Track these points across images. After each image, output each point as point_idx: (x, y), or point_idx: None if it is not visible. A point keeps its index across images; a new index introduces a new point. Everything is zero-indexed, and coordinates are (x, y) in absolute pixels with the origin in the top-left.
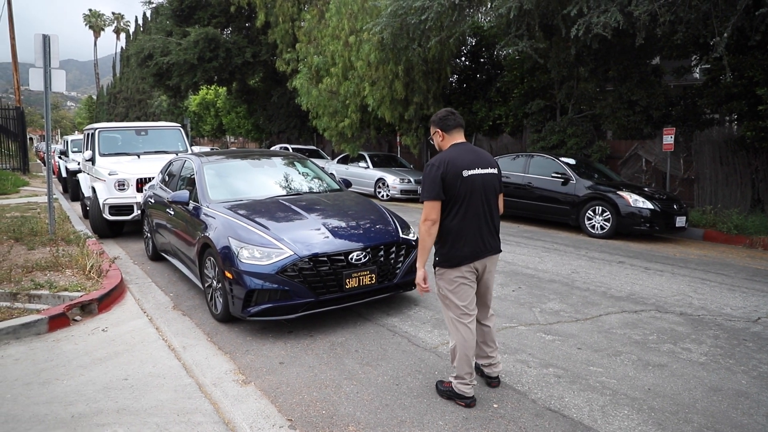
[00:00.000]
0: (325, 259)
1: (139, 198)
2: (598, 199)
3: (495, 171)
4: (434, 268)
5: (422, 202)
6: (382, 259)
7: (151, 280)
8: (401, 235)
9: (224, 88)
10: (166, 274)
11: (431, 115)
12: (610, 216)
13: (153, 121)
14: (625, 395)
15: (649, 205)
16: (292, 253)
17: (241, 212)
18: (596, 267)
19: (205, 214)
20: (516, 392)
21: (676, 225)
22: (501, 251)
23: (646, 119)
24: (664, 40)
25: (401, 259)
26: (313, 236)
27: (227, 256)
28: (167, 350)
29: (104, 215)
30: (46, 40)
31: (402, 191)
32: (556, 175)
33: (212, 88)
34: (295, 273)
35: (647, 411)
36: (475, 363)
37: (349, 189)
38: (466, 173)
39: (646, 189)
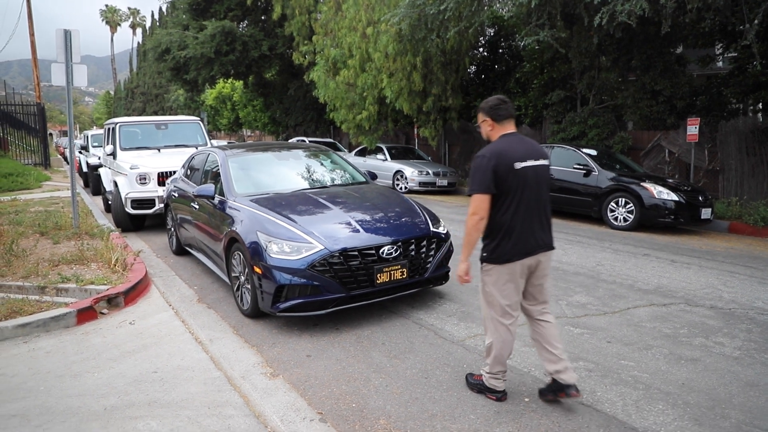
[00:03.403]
0: (356, 253)
1: (161, 191)
2: (621, 190)
3: (547, 162)
4: (481, 263)
5: (470, 195)
6: (413, 253)
7: (174, 273)
8: (432, 228)
9: (241, 82)
10: (189, 267)
11: (449, 107)
12: (633, 208)
13: (170, 115)
14: (658, 390)
15: (673, 196)
16: (323, 247)
17: (269, 206)
18: (621, 259)
19: (232, 208)
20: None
21: (702, 217)
22: (554, 248)
23: (669, 109)
24: (689, 28)
25: (432, 253)
26: (342, 230)
27: (256, 251)
28: (194, 343)
29: (126, 209)
30: (67, 35)
31: (420, 183)
32: (577, 166)
33: (229, 81)
34: (325, 268)
35: (682, 406)
36: (546, 372)
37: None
38: (518, 165)
39: (670, 180)
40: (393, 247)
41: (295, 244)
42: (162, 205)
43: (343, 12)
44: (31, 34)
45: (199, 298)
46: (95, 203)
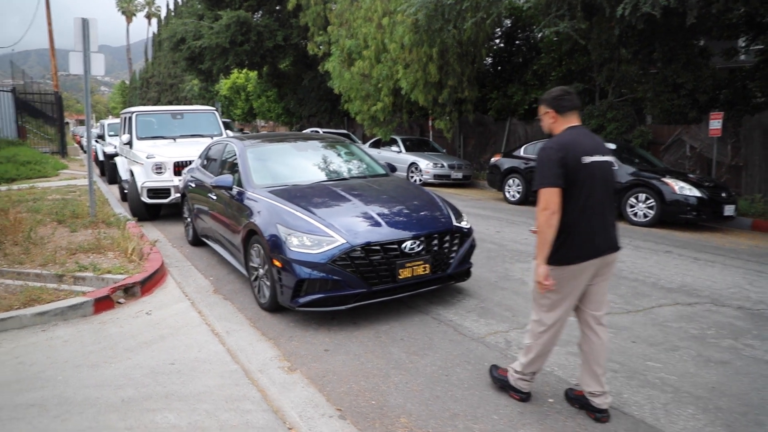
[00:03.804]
0: (378, 247)
1: (177, 181)
2: (642, 185)
3: (612, 160)
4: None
5: (536, 191)
6: (435, 248)
7: (190, 264)
8: (455, 222)
9: (255, 72)
10: (204, 257)
11: (465, 99)
12: (654, 203)
13: (185, 105)
14: (688, 393)
15: (696, 192)
16: (344, 241)
17: (288, 197)
18: (643, 256)
19: (250, 200)
20: (570, 386)
21: (724, 214)
22: (620, 248)
23: (691, 103)
24: (713, 19)
25: (455, 248)
26: (364, 223)
27: (275, 244)
28: (211, 335)
29: (142, 198)
30: (85, 23)
31: (435, 176)
32: None
33: (243, 72)
34: (346, 262)
35: (713, 411)
36: (582, 391)
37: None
38: (586, 160)
39: (691, 176)
40: (416, 242)
41: (316, 238)
42: (177, 195)
43: (359, 2)
44: (49, 24)
45: (215, 288)
46: (111, 192)
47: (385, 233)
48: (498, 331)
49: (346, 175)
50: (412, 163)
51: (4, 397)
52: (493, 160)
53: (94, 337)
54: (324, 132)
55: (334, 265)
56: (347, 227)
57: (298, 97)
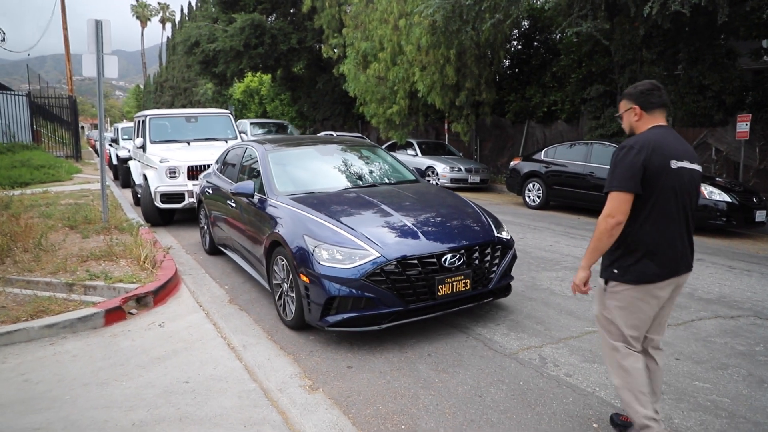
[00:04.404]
0: (416, 261)
1: (191, 186)
2: None
3: (701, 169)
4: (605, 282)
5: (606, 193)
6: (476, 261)
7: (204, 271)
8: (496, 233)
9: (268, 76)
10: (219, 265)
11: (482, 102)
12: None
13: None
14: (744, 419)
15: (726, 197)
16: (379, 255)
17: (315, 206)
18: None
19: (273, 208)
20: (615, 409)
21: (756, 220)
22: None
23: (717, 105)
24: (741, 19)
25: (496, 261)
26: (399, 235)
27: (303, 257)
28: (227, 349)
29: (156, 203)
30: (98, 25)
31: (452, 180)
32: None
33: (257, 75)
34: (381, 278)
35: None
36: (629, 417)
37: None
38: (675, 164)
39: (719, 180)
40: (456, 255)
41: (348, 251)
42: (191, 200)
43: (375, 4)
44: (65, 28)
45: (231, 298)
46: (124, 196)
47: (423, 245)
48: (531, 346)
49: (375, 181)
50: (429, 167)
51: (6, 420)
52: (512, 163)
53: (105, 351)
54: (338, 135)
55: (368, 281)
56: (381, 239)
57: (312, 100)
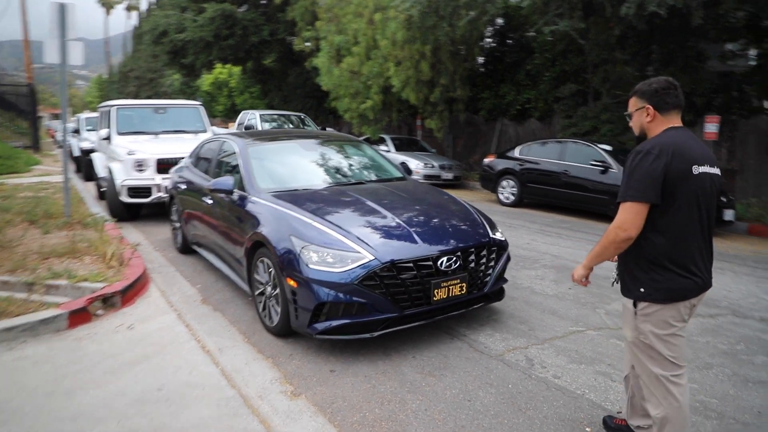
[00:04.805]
0: (411, 265)
1: (159, 180)
2: None
3: (719, 172)
4: (634, 304)
5: (619, 203)
6: (472, 264)
7: (175, 269)
8: (491, 234)
9: (238, 68)
10: (190, 262)
11: (456, 98)
12: None
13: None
14: (734, 419)
15: None
16: (372, 257)
17: (301, 205)
18: None
19: (255, 206)
20: (607, 412)
21: (724, 218)
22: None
23: (688, 106)
24: (713, 22)
25: (492, 264)
26: (393, 236)
27: (290, 260)
28: (202, 353)
29: (121, 197)
30: (62, 8)
31: (425, 176)
32: (595, 163)
33: (226, 67)
34: (375, 282)
35: None
36: (624, 420)
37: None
38: (696, 170)
39: None
40: (452, 258)
41: (339, 253)
42: (160, 194)
43: None
44: (23, 13)
45: (204, 298)
46: (87, 190)
47: (418, 247)
48: (516, 347)
49: (361, 178)
50: (402, 163)
51: None
52: (486, 160)
53: (70, 356)
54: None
55: (361, 285)
56: (374, 240)
57: (283, 93)
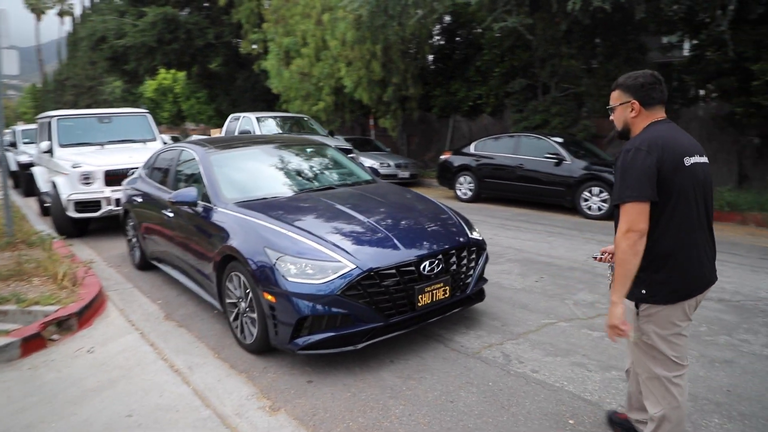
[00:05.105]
0: (393, 271)
1: (109, 192)
2: (595, 179)
3: (707, 160)
4: (636, 306)
5: (617, 206)
6: (454, 267)
7: (132, 285)
8: (470, 235)
9: (183, 73)
10: (148, 278)
11: (409, 97)
12: (608, 196)
13: (106, 108)
14: (706, 400)
15: None
16: (354, 266)
17: (272, 214)
18: None
19: (223, 218)
20: (587, 403)
21: None
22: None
23: None
24: (651, 15)
25: (472, 265)
26: (372, 242)
27: (266, 273)
28: (171, 373)
29: (68, 212)
30: None
31: (382, 176)
32: (549, 156)
33: (170, 72)
34: (358, 291)
35: (739, 418)
36: (626, 415)
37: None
38: (688, 161)
39: None
40: (434, 261)
41: (319, 263)
42: (110, 207)
43: None
44: None
45: (166, 314)
46: (29, 206)
47: (400, 253)
48: (492, 343)
49: (331, 183)
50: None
51: None
52: (442, 157)
53: (26, 388)
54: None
55: (344, 296)
56: (354, 248)
57: (231, 97)
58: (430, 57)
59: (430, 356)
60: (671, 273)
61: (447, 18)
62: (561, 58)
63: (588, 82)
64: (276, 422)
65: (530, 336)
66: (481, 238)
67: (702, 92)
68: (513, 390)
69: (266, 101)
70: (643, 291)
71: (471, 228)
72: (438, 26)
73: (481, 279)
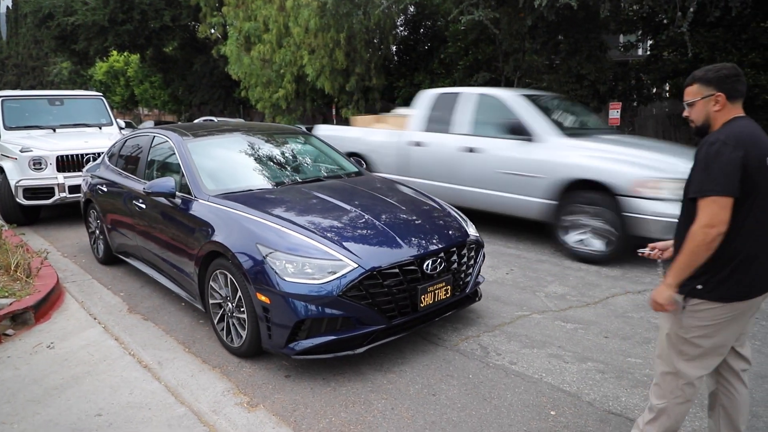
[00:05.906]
0: (396, 270)
1: (62, 179)
2: None
3: None
4: (684, 298)
5: (695, 198)
6: (455, 265)
7: (91, 277)
8: (469, 232)
9: (136, 56)
10: (108, 268)
11: (372, 87)
12: None
13: (51, 90)
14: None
15: None
16: (356, 265)
17: (260, 207)
18: None
19: (205, 211)
20: (567, 394)
21: None
22: None
23: (593, 93)
24: (613, 14)
25: (472, 262)
26: (372, 239)
27: (259, 272)
28: (140, 369)
29: (17, 199)
30: None
31: None
32: None
33: (123, 55)
34: (360, 292)
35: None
36: None
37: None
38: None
39: None
40: (437, 259)
41: (318, 262)
42: (63, 194)
43: None
44: None
45: (130, 307)
46: None
47: (403, 251)
48: (469, 336)
49: (318, 174)
50: None
51: None
52: None
53: None
54: (219, 121)
55: (345, 296)
56: (354, 245)
57: (188, 83)
58: (394, 48)
59: (408, 349)
60: (734, 272)
61: (411, 9)
62: (525, 53)
63: (550, 78)
64: (255, 418)
65: (506, 328)
66: (478, 236)
67: (656, 91)
68: (493, 382)
69: (224, 87)
70: (699, 287)
71: (468, 224)
72: (402, 17)
73: (478, 278)
